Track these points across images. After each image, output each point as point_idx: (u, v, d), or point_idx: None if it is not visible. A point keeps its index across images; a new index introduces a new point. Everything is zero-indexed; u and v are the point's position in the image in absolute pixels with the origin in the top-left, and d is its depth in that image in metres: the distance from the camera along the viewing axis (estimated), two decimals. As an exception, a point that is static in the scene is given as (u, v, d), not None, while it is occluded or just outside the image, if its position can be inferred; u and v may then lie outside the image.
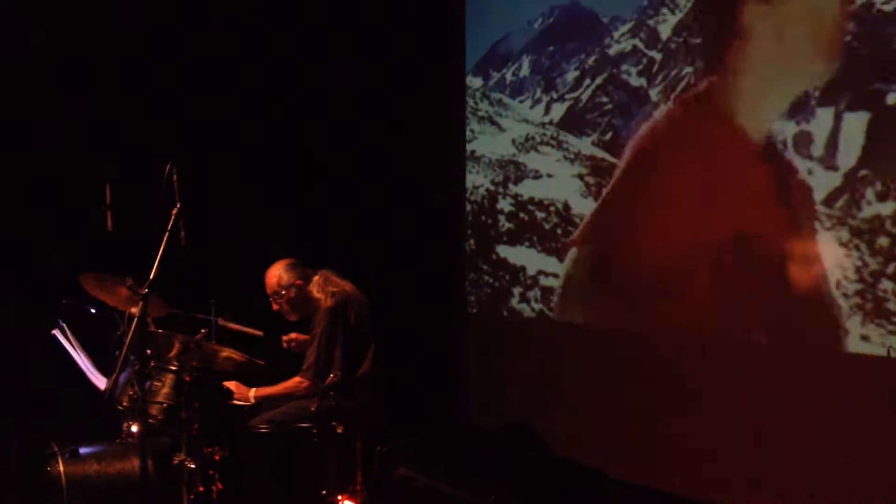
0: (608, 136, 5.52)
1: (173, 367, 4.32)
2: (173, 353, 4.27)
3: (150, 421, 4.17)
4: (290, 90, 6.61)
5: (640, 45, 5.20)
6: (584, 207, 5.69)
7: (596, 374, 5.51)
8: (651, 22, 5.15)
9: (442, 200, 6.99)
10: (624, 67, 5.36)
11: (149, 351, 4.15)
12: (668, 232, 5.03)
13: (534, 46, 6.19)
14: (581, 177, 5.71)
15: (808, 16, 4.26)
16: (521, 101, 6.34)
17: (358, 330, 4.56)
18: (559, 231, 5.90)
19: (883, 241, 3.93)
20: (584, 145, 5.69)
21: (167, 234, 3.87)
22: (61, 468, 4.09)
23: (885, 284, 3.91)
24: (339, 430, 4.11)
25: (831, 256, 4.12)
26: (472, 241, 6.83)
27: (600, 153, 5.56)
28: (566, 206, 5.82)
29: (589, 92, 5.67)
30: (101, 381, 4.53)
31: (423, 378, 6.32)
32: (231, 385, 4.53)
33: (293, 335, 4.90)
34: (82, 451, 4.18)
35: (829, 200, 4.16)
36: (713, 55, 4.73)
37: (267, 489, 4.20)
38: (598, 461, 5.34)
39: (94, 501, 4.08)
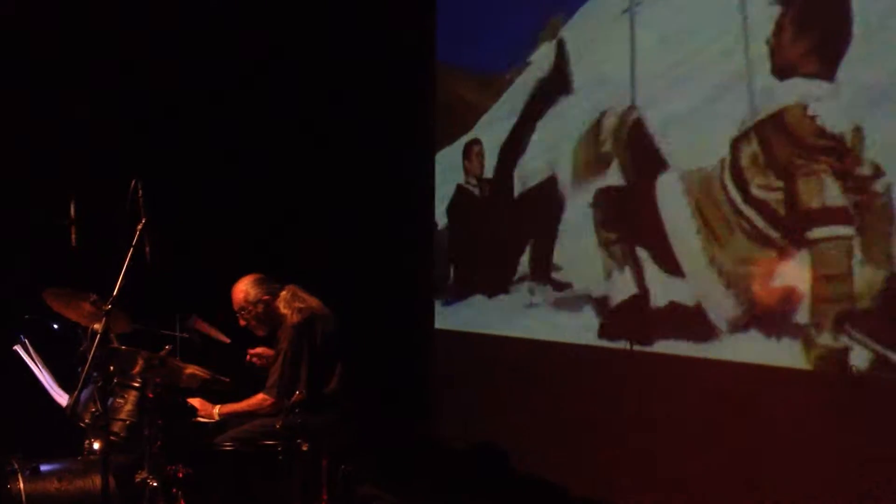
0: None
1: (136, 384, 4.28)
2: (137, 369, 4.23)
3: (113, 438, 4.13)
4: (256, 109, 6.61)
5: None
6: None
7: (561, 391, 5.53)
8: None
9: (410, 218, 7.01)
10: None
11: (112, 367, 4.12)
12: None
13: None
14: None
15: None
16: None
17: (324, 347, 4.56)
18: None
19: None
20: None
21: (132, 249, 3.85)
22: (21, 486, 4.03)
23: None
24: (305, 448, 4.09)
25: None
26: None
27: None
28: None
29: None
30: (62, 398, 4.48)
31: (389, 395, 6.31)
32: (195, 402, 4.52)
33: (259, 349, 4.88)
34: (43, 468, 4.13)
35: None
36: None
37: (231, 507, 4.18)
38: (563, 479, 5.36)
39: (55, 520, 4.04)
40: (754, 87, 4.28)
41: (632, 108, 5.01)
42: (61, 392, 4.51)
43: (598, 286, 5.23)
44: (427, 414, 6.87)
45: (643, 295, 4.92)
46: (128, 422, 4.24)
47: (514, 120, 6.04)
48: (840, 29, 3.90)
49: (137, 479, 4.01)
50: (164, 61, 6.24)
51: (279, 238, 6.39)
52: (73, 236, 4.48)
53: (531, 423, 5.70)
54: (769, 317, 4.22)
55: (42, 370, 4.53)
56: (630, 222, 5.07)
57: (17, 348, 4.53)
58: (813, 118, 4.00)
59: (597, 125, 5.26)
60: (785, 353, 4.13)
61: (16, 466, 4.11)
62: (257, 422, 4.47)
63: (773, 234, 4.20)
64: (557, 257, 5.60)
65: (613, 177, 5.16)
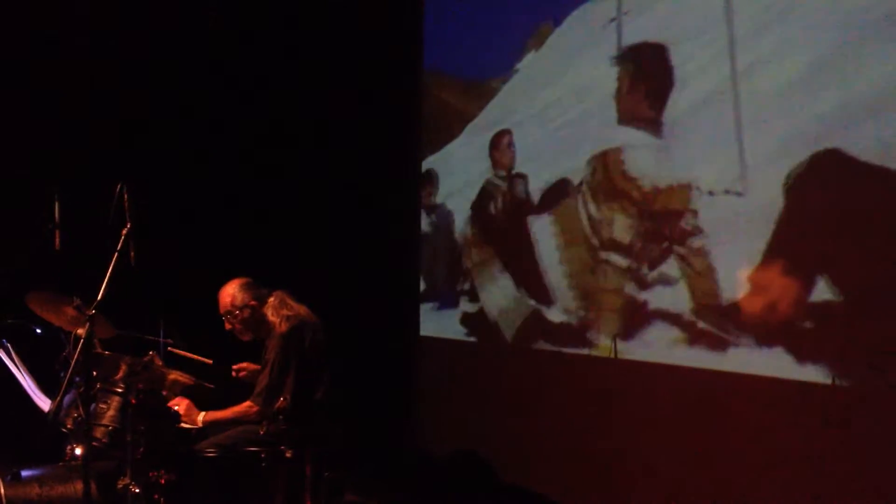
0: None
1: (119, 390, 4.26)
2: (120, 375, 4.22)
3: (95, 444, 4.10)
4: (243, 112, 6.61)
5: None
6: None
7: (546, 399, 5.53)
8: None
9: (397, 225, 7.01)
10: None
11: (95, 372, 4.09)
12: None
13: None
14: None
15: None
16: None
17: (312, 355, 4.53)
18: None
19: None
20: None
21: (117, 254, 3.83)
22: (2, 491, 4.00)
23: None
24: (288, 455, 4.07)
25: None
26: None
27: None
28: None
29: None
30: (44, 403, 4.46)
31: (373, 404, 6.30)
32: (182, 406, 4.48)
33: (243, 364, 4.86)
34: (24, 473, 4.11)
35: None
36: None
37: (213, 514, 4.16)
38: (546, 488, 5.36)
39: (36, 525, 4.01)
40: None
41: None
42: (43, 397, 4.49)
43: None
44: (411, 422, 6.86)
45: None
46: (110, 427, 4.21)
47: (499, 128, 6.07)
48: (664, 86, 4.66)
49: (119, 486, 3.98)
50: (151, 64, 6.23)
51: (265, 244, 6.37)
52: (57, 240, 4.44)
53: (516, 430, 5.70)
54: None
55: (24, 374, 4.50)
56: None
57: (-1, 352, 4.51)
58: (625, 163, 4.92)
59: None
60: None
61: (-4, 472, 4.08)
62: (241, 428, 4.44)
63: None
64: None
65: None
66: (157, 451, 4.12)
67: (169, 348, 4.77)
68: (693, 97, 4.56)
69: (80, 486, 3.93)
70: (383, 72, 6.88)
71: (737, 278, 4.25)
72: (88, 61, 6.01)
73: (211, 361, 4.78)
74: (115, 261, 3.82)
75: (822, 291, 3.85)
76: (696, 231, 4.49)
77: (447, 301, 6.54)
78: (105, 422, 4.23)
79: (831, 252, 3.85)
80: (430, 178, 6.79)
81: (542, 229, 5.59)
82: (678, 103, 4.62)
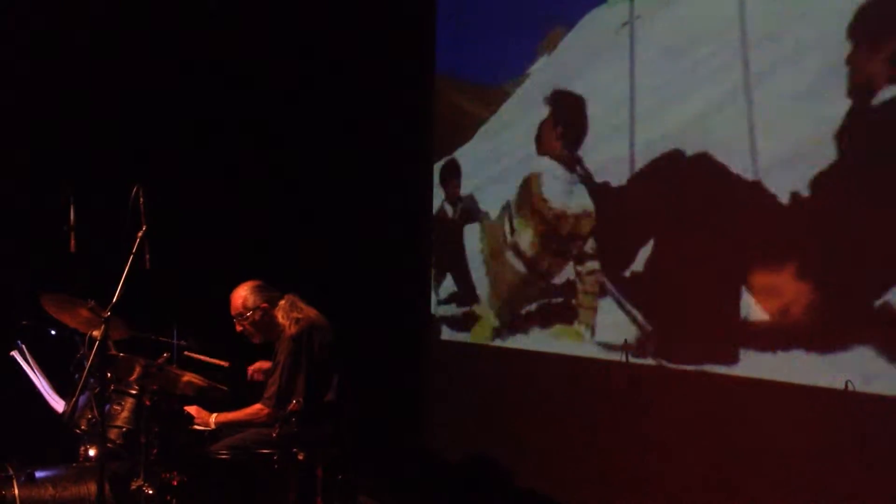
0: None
1: (133, 391, 4.28)
2: (134, 376, 4.22)
3: (109, 445, 4.12)
4: (257, 115, 6.63)
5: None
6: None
7: (559, 403, 5.53)
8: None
9: (409, 225, 7.03)
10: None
11: (109, 374, 4.11)
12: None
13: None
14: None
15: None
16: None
17: (321, 358, 4.54)
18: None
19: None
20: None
21: (132, 256, 3.85)
22: (16, 492, 4.01)
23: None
24: (300, 458, 4.09)
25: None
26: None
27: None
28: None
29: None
30: (59, 404, 4.47)
31: (385, 406, 6.30)
32: (192, 410, 4.51)
33: (258, 364, 4.87)
34: (38, 474, 4.11)
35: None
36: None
37: (226, 516, 4.17)
38: (558, 492, 5.36)
39: (50, 526, 4.03)
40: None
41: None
42: (58, 398, 4.50)
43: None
44: (424, 424, 6.87)
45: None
46: (124, 429, 4.23)
47: (511, 131, 6.08)
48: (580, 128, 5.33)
49: (133, 487, 4.00)
50: (166, 67, 6.26)
51: (278, 247, 6.39)
52: (72, 242, 4.46)
53: (529, 434, 5.70)
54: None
55: (39, 376, 4.52)
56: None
57: (15, 354, 4.52)
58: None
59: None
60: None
61: (11, 472, 4.09)
62: (253, 430, 4.46)
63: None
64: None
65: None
66: (171, 452, 4.15)
67: (185, 352, 4.78)
68: (706, 101, 4.56)
69: (93, 487, 3.95)
70: (396, 75, 6.89)
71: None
72: (106, 63, 6.04)
73: (227, 364, 4.79)
74: (131, 263, 3.84)
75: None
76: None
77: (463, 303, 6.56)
78: (119, 423, 4.25)
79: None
80: (456, 170, 6.67)
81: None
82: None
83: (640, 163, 4.95)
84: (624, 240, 5.05)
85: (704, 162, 4.54)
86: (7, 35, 5.76)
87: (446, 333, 6.72)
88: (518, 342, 5.92)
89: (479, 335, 6.33)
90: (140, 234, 3.89)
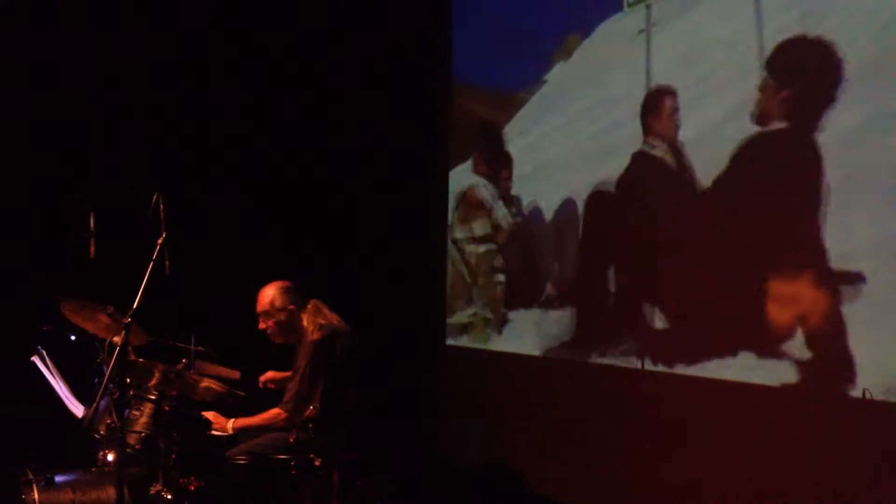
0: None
1: (152, 397, 4.31)
2: (153, 382, 4.26)
3: (128, 450, 4.15)
4: (273, 127, 6.67)
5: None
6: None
7: (574, 409, 5.52)
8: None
9: (424, 234, 7.05)
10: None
11: (128, 380, 4.14)
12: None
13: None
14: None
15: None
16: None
17: (342, 365, 4.55)
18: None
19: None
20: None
21: (152, 263, 3.88)
22: (36, 496, 4.06)
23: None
24: (317, 463, 4.10)
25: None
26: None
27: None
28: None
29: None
30: (78, 409, 4.51)
31: (402, 412, 6.32)
32: (210, 415, 4.53)
33: (270, 374, 4.90)
34: (58, 479, 4.16)
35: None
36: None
37: (243, 521, 4.19)
38: (573, 498, 5.35)
39: (69, 530, 4.06)
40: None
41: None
42: (77, 403, 4.54)
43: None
44: (441, 431, 6.87)
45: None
46: (143, 434, 4.26)
47: (526, 138, 6.09)
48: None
49: (152, 492, 4.03)
50: (184, 71, 6.29)
51: (293, 254, 6.42)
52: (92, 248, 4.50)
53: (546, 440, 5.69)
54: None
55: (59, 381, 4.56)
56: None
57: (35, 359, 4.56)
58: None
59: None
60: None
61: (31, 477, 4.13)
62: (271, 436, 4.48)
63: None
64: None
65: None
66: (189, 457, 4.17)
67: (197, 361, 4.79)
68: (722, 108, 4.56)
69: (112, 491, 3.99)
70: (412, 82, 6.92)
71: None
72: (128, 67, 6.08)
73: (238, 374, 4.81)
74: (150, 270, 3.87)
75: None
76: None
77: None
78: (137, 428, 4.28)
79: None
80: (508, 161, 6.38)
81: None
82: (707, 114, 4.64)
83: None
84: (640, 246, 5.05)
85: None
86: (29, 38, 5.81)
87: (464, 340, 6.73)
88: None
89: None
90: (160, 241, 3.92)
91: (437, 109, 7.02)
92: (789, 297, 4.12)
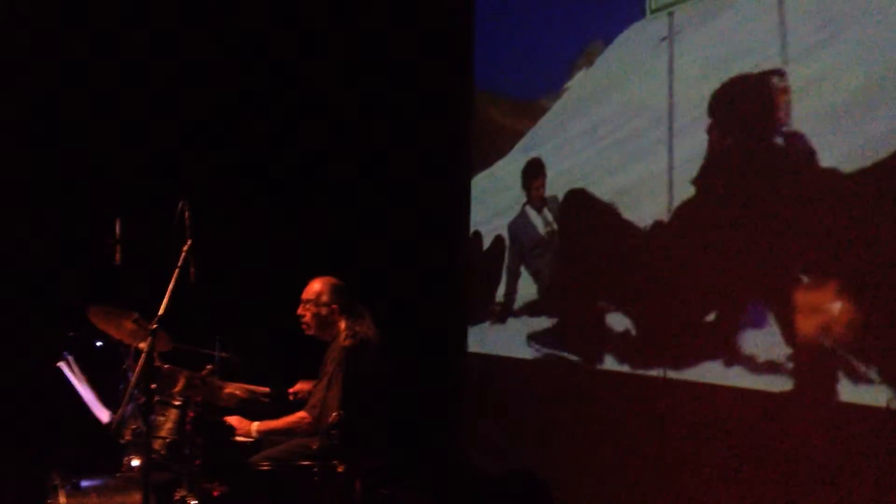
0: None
1: (177, 403, 4.34)
2: (178, 388, 4.30)
3: (153, 455, 4.18)
4: (297, 135, 6.70)
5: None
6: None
7: (601, 418, 5.49)
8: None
9: (446, 236, 7.06)
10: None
11: (153, 385, 4.17)
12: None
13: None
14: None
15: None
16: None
17: (370, 374, 4.53)
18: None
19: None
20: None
21: (178, 270, 3.91)
22: (62, 501, 4.10)
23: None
24: (340, 470, 4.11)
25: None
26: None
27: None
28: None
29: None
30: (104, 414, 4.54)
31: (427, 420, 6.31)
32: (233, 420, 4.54)
33: (299, 386, 4.91)
34: (83, 484, 4.19)
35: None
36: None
37: (266, 527, 4.21)
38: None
39: (95, 535, 4.09)
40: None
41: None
42: (103, 409, 4.57)
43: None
44: (466, 439, 6.85)
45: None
46: (168, 440, 4.29)
47: (548, 145, 6.10)
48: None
49: (176, 497, 4.06)
50: (211, 81, 6.34)
51: (315, 261, 6.43)
52: (118, 255, 4.55)
53: (573, 451, 5.67)
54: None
55: (85, 387, 4.59)
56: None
57: (61, 365, 4.60)
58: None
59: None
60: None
61: (57, 482, 4.17)
62: (294, 442, 4.49)
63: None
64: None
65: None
66: (213, 463, 4.20)
67: (227, 389, 4.77)
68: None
69: (137, 496, 4.01)
70: (434, 90, 6.93)
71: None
72: (155, 75, 6.13)
73: (268, 390, 4.80)
74: (176, 277, 3.90)
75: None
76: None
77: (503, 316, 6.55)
78: (163, 434, 4.31)
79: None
80: (540, 168, 6.29)
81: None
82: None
83: (679, 177, 4.94)
84: (659, 255, 5.04)
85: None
86: (62, 45, 5.87)
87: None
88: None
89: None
90: (185, 248, 3.96)
91: (458, 117, 7.03)
92: (812, 306, 4.11)
